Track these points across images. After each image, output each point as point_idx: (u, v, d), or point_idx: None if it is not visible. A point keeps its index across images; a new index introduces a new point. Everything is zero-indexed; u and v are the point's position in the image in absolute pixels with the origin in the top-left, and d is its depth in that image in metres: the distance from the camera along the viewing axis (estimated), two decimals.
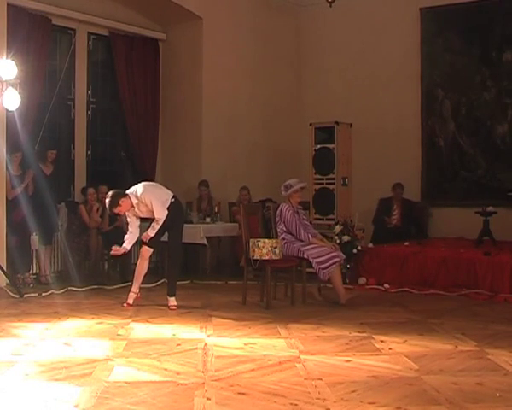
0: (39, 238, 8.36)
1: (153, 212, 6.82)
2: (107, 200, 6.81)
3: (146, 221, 7.07)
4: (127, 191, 6.88)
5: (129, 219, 6.98)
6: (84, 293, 7.75)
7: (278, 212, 7.32)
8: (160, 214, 6.81)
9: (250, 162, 10.84)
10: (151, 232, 6.86)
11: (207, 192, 9.89)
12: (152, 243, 7.01)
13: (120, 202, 6.74)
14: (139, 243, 7.26)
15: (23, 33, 8.65)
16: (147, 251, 7.06)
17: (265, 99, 11.14)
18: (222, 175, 10.37)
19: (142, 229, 7.02)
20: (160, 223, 6.83)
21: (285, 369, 4.42)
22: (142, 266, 7.04)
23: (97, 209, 8.72)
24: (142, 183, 7.05)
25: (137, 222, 6.97)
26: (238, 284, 7.75)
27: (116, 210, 6.85)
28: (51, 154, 8.63)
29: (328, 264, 7.04)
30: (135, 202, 6.79)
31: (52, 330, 5.72)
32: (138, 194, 6.81)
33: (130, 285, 7.09)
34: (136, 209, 6.85)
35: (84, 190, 9.14)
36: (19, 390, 3.97)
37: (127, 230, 7.07)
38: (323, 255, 7.06)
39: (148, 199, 6.79)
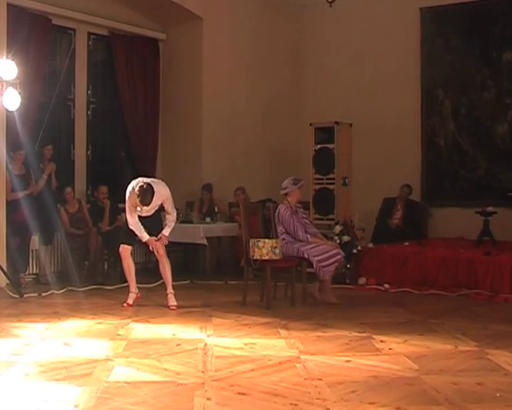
0: (40, 238, 8.36)
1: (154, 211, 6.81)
2: (144, 191, 6.37)
3: None
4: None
5: (134, 215, 6.72)
6: (84, 293, 7.74)
7: (276, 214, 7.27)
8: (173, 213, 6.86)
9: (250, 162, 10.84)
10: (167, 232, 6.81)
11: (210, 196, 9.87)
12: (131, 239, 6.87)
13: (154, 196, 6.52)
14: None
15: (23, 33, 8.66)
16: (126, 250, 6.89)
17: (265, 99, 11.14)
18: (222, 175, 10.36)
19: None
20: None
21: (285, 369, 4.42)
22: (128, 265, 6.90)
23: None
24: (149, 179, 6.73)
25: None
26: (238, 284, 7.75)
27: (149, 203, 6.51)
28: (47, 150, 8.60)
29: (328, 262, 7.02)
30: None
31: (52, 330, 5.71)
32: (160, 191, 6.64)
33: (128, 286, 7.05)
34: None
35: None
36: (19, 390, 3.97)
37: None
38: (324, 253, 7.04)
39: (164, 197, 6.73)
